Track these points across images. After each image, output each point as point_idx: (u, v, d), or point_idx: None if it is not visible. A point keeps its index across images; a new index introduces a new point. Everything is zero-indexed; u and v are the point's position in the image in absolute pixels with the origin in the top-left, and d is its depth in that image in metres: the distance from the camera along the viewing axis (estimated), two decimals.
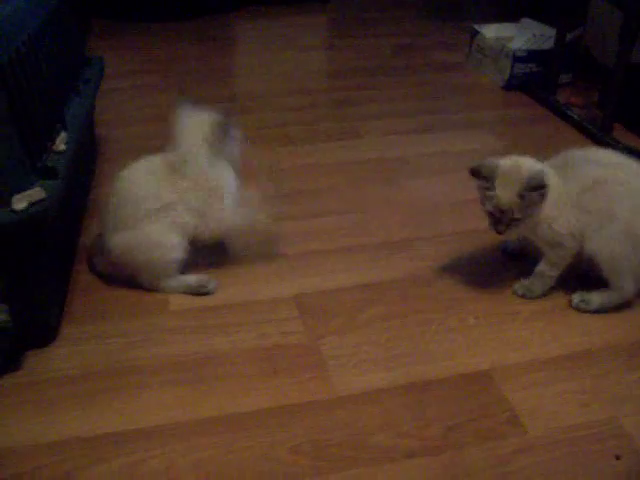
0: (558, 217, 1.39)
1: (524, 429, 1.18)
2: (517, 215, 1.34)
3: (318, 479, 1.08)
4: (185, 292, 1.50)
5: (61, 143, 1.33)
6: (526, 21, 2.78)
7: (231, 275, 1.56)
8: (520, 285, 1.50)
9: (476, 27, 2.82)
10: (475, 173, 1.38)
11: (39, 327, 1.32)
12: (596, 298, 1.44)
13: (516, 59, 2.56)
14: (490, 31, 2.76)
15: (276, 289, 1.51)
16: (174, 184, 1.46)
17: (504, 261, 1.62)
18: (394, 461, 1.12)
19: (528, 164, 1.39)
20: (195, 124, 1.54)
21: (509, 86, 2.61)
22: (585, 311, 1.44)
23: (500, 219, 1.37)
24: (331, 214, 1.81)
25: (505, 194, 1.34)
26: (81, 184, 1.78)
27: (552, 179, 1.38)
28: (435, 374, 1.29)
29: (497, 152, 2.13)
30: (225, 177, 1.51)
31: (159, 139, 2.20)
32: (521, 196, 1.33)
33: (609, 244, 1.37)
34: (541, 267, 1.46)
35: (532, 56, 2.56)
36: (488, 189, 1.36)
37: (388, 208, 1.85)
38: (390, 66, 2.94)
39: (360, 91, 2.66)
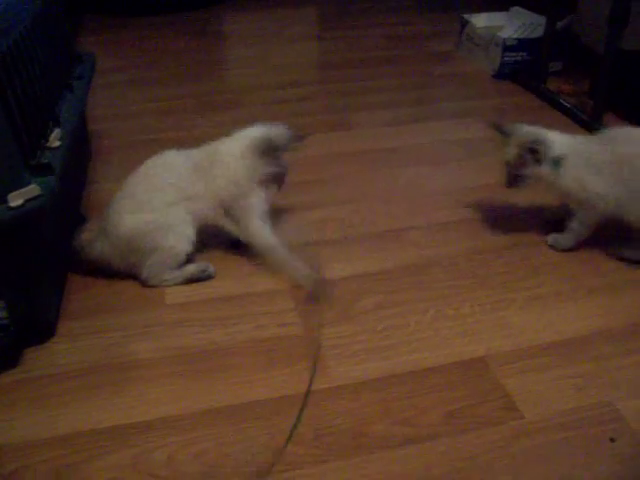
0: (591, 180, 1.51)
1: (520, 414, 1.19)
2: (516, 171, 1.55)
3: (318, 468, 1.10)
4: (186, 281, 1.51)
5: (55, 140, 1.33)
6: (516, 10, 2.79)
7: (227, 268, 1.57)
8: (552, 237, 1.64)
9: (466, 17, 2.83)
10: (497, 128, 1.61)
11: (37, 323, 1.33)
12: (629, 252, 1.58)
13: (506, 48, 2.57)
14: (480, 20, 2.77)
15: (272, 281, 1.52)
16: (204, 177, 1.50)
17: (499, 248, 1.63)
18: (393, 448, 1.13)
19: (539, 132, 1.56)
20: (243, 136, 1.58)
21: (500, 75, 2.62)
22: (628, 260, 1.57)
23: (508, 173, 1.57)
24: (324, 205, 1.82)
25: (511, 151, 1.55)
26: (76, 180, 1.79)
27: (578, 147, 1.55)
28: (431, 362, 1.30)
29: (489, 141, 2.17)
30: (256, 190, 1.53)
31: (153, 133, 2.23)
32: (519, 155, 1.53)
33: None
34: (573, 224, 1.59)
35: (522, 45, 2.57)
36: (504, 145, 1.58)
37: (382, 198, 1.86)
38: (380, 57, 2.95)
39: (351, 82, 2.67)
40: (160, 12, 3.46)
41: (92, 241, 1.49)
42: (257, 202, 1.52)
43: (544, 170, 1.53)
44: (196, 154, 1.55)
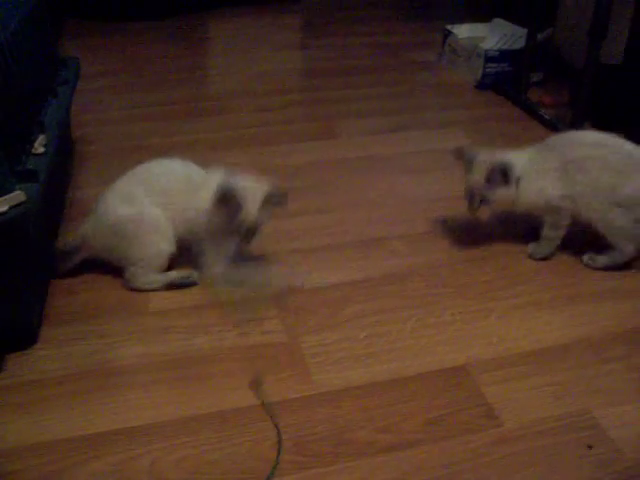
0: (549, 186, 1.58)
1: (500, 422, 1.21)
2: (482, 195, 1.58)
3: (300, 474, 1.11)
4: (169, 286, 1.52)
5: (40, 146, 1.33)
6: (497, 21, 2.83)
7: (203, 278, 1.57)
8: (531, 246, 1.67)
9: (448, 27, 2.87)
10: (457, 154, 1.65)
11: (20, 329, 1.33)
12: (602, 258, 1.61)
13: (488, 59, 2.60)
14: (462, 31, 2.80)
15: (255, 290, 1.53)
16: (189, 194, 1.52)
17: (479, 258, 1.65)
18: (374, 455, 1.14)
19: (503, 155, 1.61)
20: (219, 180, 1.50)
21: (481, 85, 2.66)
22: (593, 268, 1.62)
23: (472, 198, 1.60)
24: (307, 213, 1.83)
25: (477, 175, 1.58)
26: (59, 186, 1.78)
27: (531, 161, 1.61)
28: (413, 370, 1.32)
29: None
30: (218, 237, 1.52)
31: (137, 139, 2.23)
32: (488, 178, 1.56)
33: (601, 213, 1.55)
34: (545, 232, 1.64)
35: (504, 56, 2.61)
36: (468, 170, 1.61)
37: (364, 206, 1.88)
38: (364, 65, 2.97)
39: (334, 90, 2.69)
40: (143, 18, 3.45)
41: (80, 235, 1.53)
42: (216, 246, 1.53)
43: (511, 190, 1.58)
44: (194, 170, 1.57)
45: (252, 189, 1.47)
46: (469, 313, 1.47)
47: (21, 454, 1.13)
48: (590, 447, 1.17)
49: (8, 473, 1.10)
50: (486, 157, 1.60)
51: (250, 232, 1.48)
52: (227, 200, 1.44)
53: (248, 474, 1.11)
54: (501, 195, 1.58)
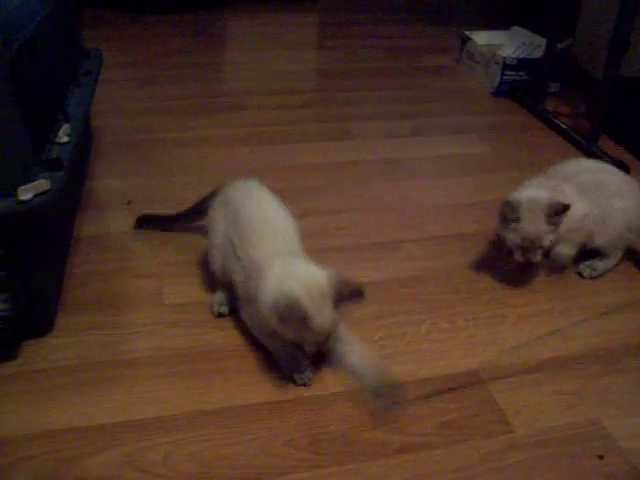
0: (581, 209, 1.55)
1: (512, 428, 1.21)
2: (546, 242, 1.48)
3: (312, 472, 1.11)
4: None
5: (64, 135, 1.34)
6: (516, 29, 2.83)
7: None
8: (586, 266, 1.63)
9: (467, 33, 2.87)
10: (503, 215, 1.50)
11: (37, 317, 1.34)
12: (600, 265, 1.62)
13: (506, 66, 2.60)
14: (481, 38, 2.80)
15: None
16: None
17: (493, 265, 1.66)
18: (387, 456, 1.15)
19: (541, 195, 1.51)
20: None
21: (498, 93, 2.66)
22: (593, 277, 1.62)
23: (529, 249, 1.49)
24: (322, 214, 1.83)
25: (533, 225, 1.47)
26: (78, 176, 1.79)
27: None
28: (426, 373, 1.32)
29: (486, 158, 2.21)
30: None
31: (153, 132, 2.24)
32: (549, 222, 1.47)
33: (611, 235, 1.58)
34: (606, 252, 1.62)
35: (522, 64, 2.61)
36: (515, 222, 1.49)
37: (379, 209, 1.88)
38: (380, 68, 2.97)
39: (351, 92, 2.69)
40: (161, 11, 3.46)
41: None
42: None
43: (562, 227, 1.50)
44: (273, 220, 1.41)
45: (316, 291, 1.22)
46: (483, 319, 1.47)
47: (33, 441, 1.14)
48: (601, 457, 1.17)
49: (20, 459, 1.11)
50: (534, 200, 1.49)
51: (323, 341, 1.26)
52: (289, 311, 1.19)
53: (260, 470, 1.11)
54: (556, 236, 1.50)
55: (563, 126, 2.37)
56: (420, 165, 2.15)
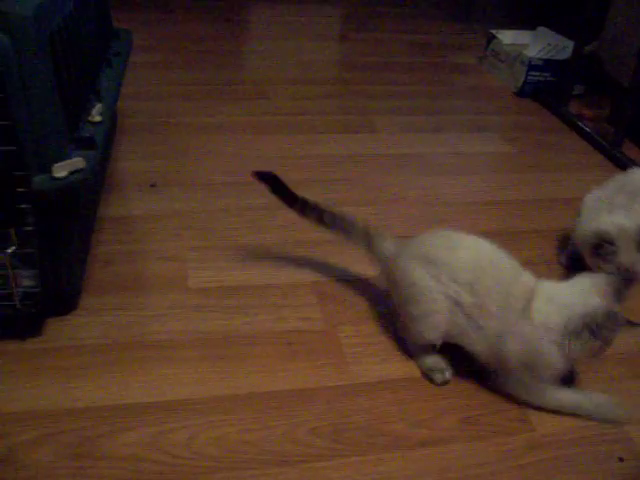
0: None
1: (533, 426, 1.22)
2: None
3: (336, 461, 1.12)
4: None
5: (97, 114, 1.34)
6: (542, 30, 2.82)
7: (250, 257, 1.58)
8: None
9: (493, 32, 2.86)
10: (595, 247, 1.48)
11: (63, 295, 1.34)
12: None
13: (531, 67, 2.59)
14: (507, 37, 2.79)
15: (295, 274, 1.54)
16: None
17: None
18: (408, 449, 1.15)
19: (631, 223, 1.48)
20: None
21: (522, 93, 2.65)
22: None
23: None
24: (346, 205, 1.80)
25: (628, 256, 1.47)
26: (107, 156, 1.80)
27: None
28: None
29: (508, 157, 2.21)
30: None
31: (176, 116, 2.24)
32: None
33: None
34: None
35: (547, 65, 2.60)
36: (610, 255, 1.47)
37: (401, 203, 1.88)
38: (403, 63, 2.97)
39: (373, 85, 2.69)
40: None
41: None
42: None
43: None
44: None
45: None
46: None
47: (56, 418, 1.15)
48: (621, 460, 1.17)
49: (43, 435, 1.12)
50: (625, 230, 1.47)
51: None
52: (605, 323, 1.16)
53: (284, 457, 1.12)
54: None
55: (586, 129, 2.36)
56: (442, 161, 2.15)
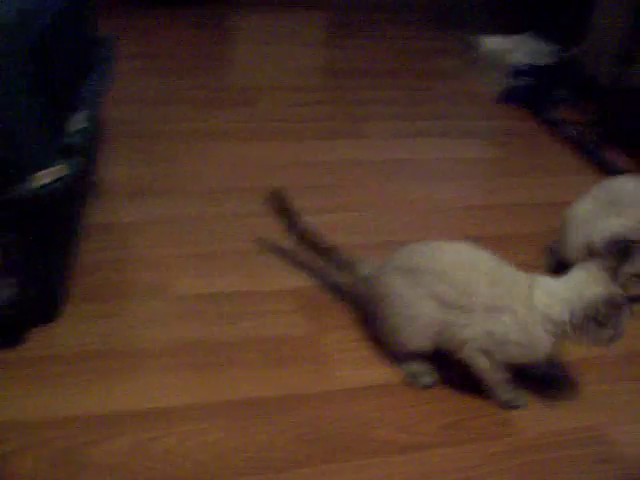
0: None
1: (516, 430, 1.23)
2: None
3: (319, 467, 1.12)
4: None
5: (80, 121, 1.34)
6: (526, 35, 2.84)
7: (233, 264, 1.58)
8: None
9: (478, 37, 2.87)
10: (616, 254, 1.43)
11: (45, 303, 1.34)
12: None
13: (515, 72, 2.61)
14: (491, 42, 2.81)
15: (278, 281, 1.54)
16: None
17: None
18: (392, 454, 1.16)
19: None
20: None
21: (507, 98, 2.66)
22: None
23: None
24: (334, 211, 1.84)
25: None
26: (91, 163, 1.79)
27: None
28: None
29: (495, 162, 2.22)
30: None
31: (165, 123, 2.24)
32: None
33: None
34: None
35: (531, 70, 2.62)
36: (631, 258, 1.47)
37: (390, 209, 1.89)
38: (388, 69, 2.97)
39: (360, 91, 2.69)
40: (171, 3, 3.45)
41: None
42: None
43: None
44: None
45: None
46: None
47: (38, 428, 1.14)
48: (603, 462, 1.18)
49: (25, 446, 1.11)
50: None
51: None
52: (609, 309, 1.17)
53: (268, 463, 1.12)
54: None
55: (570, 133, 2.38)
56: (429, 167, 2.16)
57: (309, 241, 1.46)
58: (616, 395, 1.33)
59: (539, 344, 1.20)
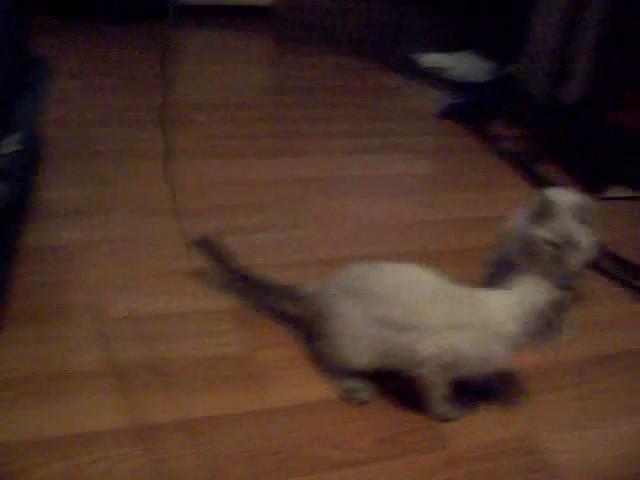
0: None
1: (449, 443, 1.25)
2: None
3: None
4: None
5: (10, 145, 1.33)
6: (465, 53, 2.91)
7: (169, 285, 1.58)
8: None
9: (415, 55, 2.93)
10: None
11: None
12: None
13: (453, 89, 2.67)
14: (429, 60, 2.88)
15: (213, 302, 1.54)
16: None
17: None
18: (326, 471, 1.16)
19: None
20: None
21: (444, 114, 2.72)
22: None
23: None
24: (272, 230, 1.85)
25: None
26: (25, 185, 1.77)
27: None
28: None
29: (432, 178, 2.27)
30: None
31: (103, 143, 2.22)
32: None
33: None
34: None
35: (468, 87, 2.68)
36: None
37: (327, 226, 1.91)
38: (332, 86, 3.01)
39: (302, 109, 2.72)
40: (115, 21, 3.43)
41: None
42: None
43: None
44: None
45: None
46: None
47: None
48: (536, 472, 1.22)
49: None
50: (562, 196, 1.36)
51: None
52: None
53: None
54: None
55: (507, 149, 2.44)
56: (368, 183, 2.19)
57: (246, 279, 1.48)
58: (548, 404, 1.37)
59: (496, 357, 1.24)
